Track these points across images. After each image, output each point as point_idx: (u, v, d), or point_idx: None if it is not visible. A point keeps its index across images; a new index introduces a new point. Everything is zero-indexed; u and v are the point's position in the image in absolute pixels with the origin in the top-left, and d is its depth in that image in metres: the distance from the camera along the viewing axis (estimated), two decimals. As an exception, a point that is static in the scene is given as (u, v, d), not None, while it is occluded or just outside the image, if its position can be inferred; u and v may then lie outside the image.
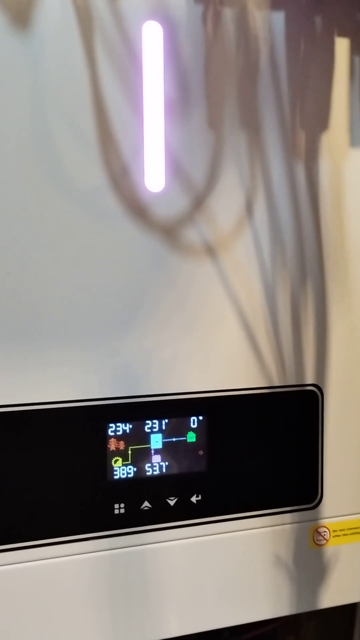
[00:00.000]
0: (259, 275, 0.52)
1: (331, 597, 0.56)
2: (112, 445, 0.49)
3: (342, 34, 0.52)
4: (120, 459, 0.49)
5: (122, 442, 0.49)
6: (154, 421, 0.50)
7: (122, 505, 0.49)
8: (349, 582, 0.57)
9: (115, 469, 0.49)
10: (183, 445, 0.51)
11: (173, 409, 0.50)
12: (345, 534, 0.56)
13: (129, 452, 0.49)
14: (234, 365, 0.52)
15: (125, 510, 0.49)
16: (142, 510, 0.50)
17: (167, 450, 0.50)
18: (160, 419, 0.50)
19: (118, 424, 0.49)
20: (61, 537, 0.47)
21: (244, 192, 0.51)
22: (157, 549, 0.50)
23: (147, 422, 0.50)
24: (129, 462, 0.49)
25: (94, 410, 0.48)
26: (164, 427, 0.50)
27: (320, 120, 0.52)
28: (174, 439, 0.50)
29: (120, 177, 0.47)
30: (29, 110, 0.45)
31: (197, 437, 0.51)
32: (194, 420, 0.51)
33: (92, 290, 0.47)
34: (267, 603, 0.54)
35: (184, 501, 0.51)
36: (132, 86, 0.47)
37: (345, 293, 0.54)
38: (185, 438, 0.51)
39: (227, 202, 0.50)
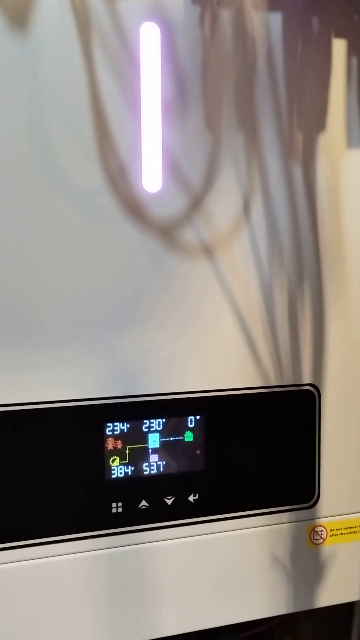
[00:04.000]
0: (257, 275, 0.52)
1: (328, 596, 0.56)
2: (110, 444, 0.49)
3: (339, 35, 0.53)
4: (117, 458, 0.49)
5: (119, 441, 0.49)
6: (152, 421, 0.50)
7: (120, 504, 0.49)
8: (346, 581, 0.57)
9: (112, 468, 0.49)
10: (181, 444, 0.51)
11: (170, 409, 0.50)
12: (342, 533, 0.56)
13: (127, 451, 0.49)
14: (231, 365, 0.52)
15: (122, 509, 0.49)
16: (140, 509, 0.50)
17: (164, 449, 0.50)
18: (157, 418, 0.50)
19: (116, 424, 0.49)
20: (59, 536, 0.48)
21: (241, 193, 0.51)
22: (154, 548, 0.50)
23: (145, 421, 0.50)
24: (127, 461, 0.49)
25: (91, 410, 0.48)
26: (161, 427, 0.50)
27: (317, 121, 0.53)
28: (171, 439, 0.51)
29: (118, 177, 0.47)
30: (27, 111, 0.45)
31: (194, 437, 0.51)
32: (191, 419, 0.51)
33: (90, 290, 0.47)
34: (265, 602, 0.54)
35: (181, 500, 0.51)
36: (129, 87, 0.47)
37: (342, 293, 0.55)
38: (182, 437, 0.51)
39: (224, 202, 0.50)
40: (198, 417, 0.51)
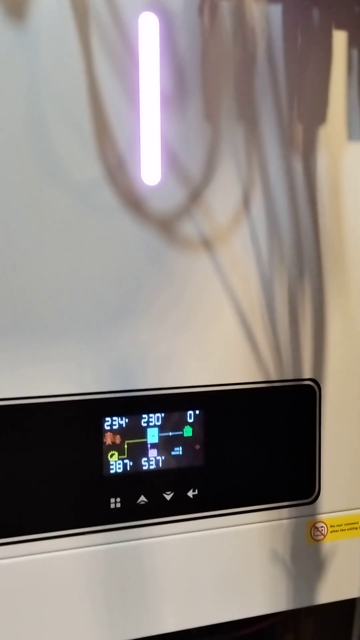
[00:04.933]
0: (256, 269, 0.52)
1: (329, 592, 0.56)
2: (108, 439, 0.48)
3: (339, 26, 0.52)
4: (116, 453, 0.49)
5: (118, 436, 0.49)
6: (151, 415, 0.50)
7: (118, 499, 0.49)
8: (346, 577, 0.57)
9: (111, 463, 0.49)
10: (180, 439, 0.50)
11: (169, 403, 0.50)
12: (342, 530, 0.56)
13: (125, 446, 0.49)
14: (231, 360, 0.51)
15: (121, 504, 0.49)
16: (139, 504, 0.49)
17: (163, 444, 0.50)
18: (156, 413, 0.50)
19: (114, 418, 0.49)
20: (57, 531, 0.47)
21: (241, 186, 0.50)
22: (153, 544, 0.50)
23: (144, 416, 0.49)
24: (125, 456, 0.49)
25: (90, 404, 0.48)
26: (160, 422, 0.50)
27: (317, 113, 0.52)
28: (170, 433, 0.50)
29: (117, 170, 0.47)
30: (25, 103, 0.45)
31: (193, 432, 0.51)
32: (190, 414, 0.51)
33: (88, 284, 0.47)
34: (264, 598, 0.54)
35: (180, 496, 0.51)
36: (128, 78, 0.47)
37: (343, 287, 0.54)
38: (181, 432, 0.51)
39: (224, 195, 0.50)
40: (197, 412, 0.51)
